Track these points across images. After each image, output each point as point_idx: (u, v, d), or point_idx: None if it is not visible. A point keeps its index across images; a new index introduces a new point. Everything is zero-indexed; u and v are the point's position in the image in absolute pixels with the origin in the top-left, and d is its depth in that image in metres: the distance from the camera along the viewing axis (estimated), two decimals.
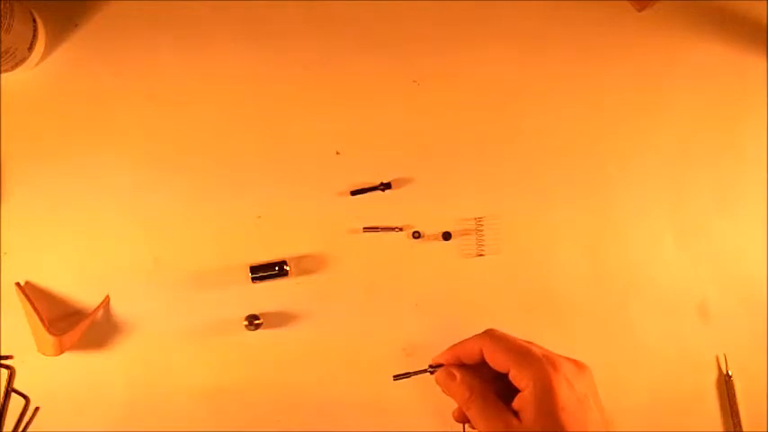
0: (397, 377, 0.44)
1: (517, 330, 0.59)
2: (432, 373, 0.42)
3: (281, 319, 0.58)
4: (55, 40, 0.58)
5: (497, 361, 0.38)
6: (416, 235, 0.59)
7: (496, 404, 0.37)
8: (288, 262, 0.57)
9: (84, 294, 0.57)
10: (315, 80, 0.60)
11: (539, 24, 0.61)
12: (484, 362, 0.39)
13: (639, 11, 0.61)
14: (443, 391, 0.41)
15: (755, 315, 0.61)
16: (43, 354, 0.53)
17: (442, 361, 0.42)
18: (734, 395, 0.59)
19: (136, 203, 0.58)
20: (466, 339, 0.41)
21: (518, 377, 0.36)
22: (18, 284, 0.55)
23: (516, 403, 0.36)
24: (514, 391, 0.37)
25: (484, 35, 0.61)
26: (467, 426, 0.41)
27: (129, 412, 0.57)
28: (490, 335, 0.40)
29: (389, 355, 0.58)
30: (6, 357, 0.56)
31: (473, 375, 0.40)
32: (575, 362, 0.39)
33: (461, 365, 0.41)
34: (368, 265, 0.59)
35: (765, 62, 0.62)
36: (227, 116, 0.59)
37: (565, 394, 0.35)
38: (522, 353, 0.37)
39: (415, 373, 0.43)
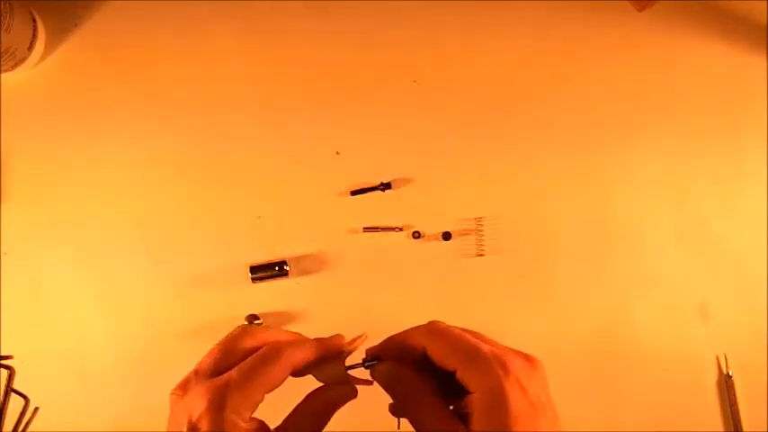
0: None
1: (517, 331, 0.59)
2: (366, 367, 0.36)
3: (281, 319, 0.58)
4: (55, 40, 0.58)
5: (443, 361, 0.34)
6: (416, 235, 0.59)
7: (442, 408, 0.34)
8: (288, 262, 0.57)
9: (83, 294, 0.57)
10: (315, 80, 0.60)
11: (539, 24, 0.61)
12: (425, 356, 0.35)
13: (639, 11, 0.61)
14: (382, 387, 0.37)
15: (755, 315, 0.61)
16: None
17: (379, 353, 0.37)
18: (734, 395, 0.59)
19: (136, 203, 0.58)
20: (407, 333, 0.36)
21: (465, 379, 0.33)
22: None
23: (465, 406, 0.33)
24: (459, 388, 0.34)
25: (484, 35, 0.61)
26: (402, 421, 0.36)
27: (129, 412, 0.57)
28: (433, 330, 0.36)
29: None
30: (6, 357, 0.56)
31: (416, 373, 0.35)
32: (526, 357, 0.35)
33: (402, 359, 0.36)
34: (368, 265, 0.59)
35: (765, 62, 0.62)
36: (227, 116, 0.59)
37: (517, 401, 0.32)
38: (470, 353, 0.34)
39: (357, 365, 0.37)
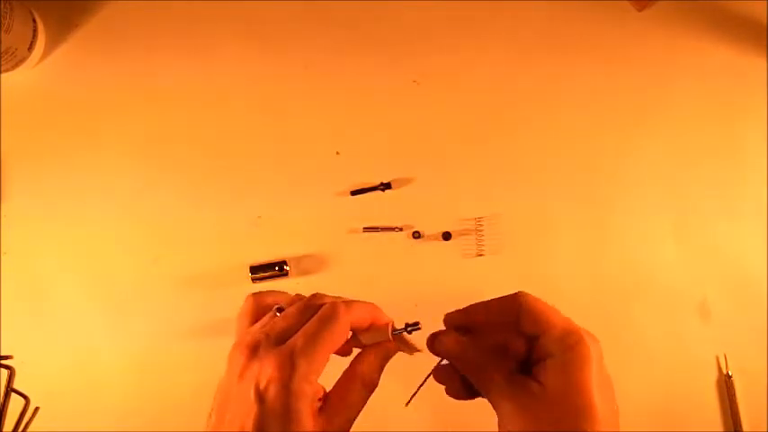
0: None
1: None
2: (409, 332, 0.36)
3: None
4: (55, 40, 0.58)
5: (533, 327, 0.35)
6: (416, 235, 0.59)
7: (513, 372, 0.34)
8: (288, 262, 0.57)
9: (83, 294, 0.57)
10: (315, 80, 0.60)
11: (539, 24, 0.61)
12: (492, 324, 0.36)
13: (639, 11, 0.61)
14: (448, 359, 0.36)
15: (755, 315, 0.61)
16: None
17: (461, 317, 0.38)
18: (734, 395, 0.59)
19: (136, 203, 0.58)
20: (495, 300, 0.37)
21: (551, 346, 0.33)
22: None
23: (540, 370, 0.33)
24: (516, 357, 0.35)
25: (484, 35, 0.61)
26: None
27: (129, 412, 0.57)
28: (524, 296, 0.36)
29: None
30: (6, 357, 0.56)
31: (482, 341, 0.36)
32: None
33: (482, 325, 0.37)
34: (368, 265, 0.59)
35: (765, 62, 0.62)
36: (227, 116, 0.59)
37: (597, 370, 0.33)
38: (564, 322, 0.35)
39: (400, 330, 0.37)
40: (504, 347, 0.36)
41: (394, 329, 0.37)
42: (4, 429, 0.54)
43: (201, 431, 0.33)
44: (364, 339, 0.36)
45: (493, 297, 0.38)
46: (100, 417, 0.57)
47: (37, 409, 0.55)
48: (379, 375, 0.35)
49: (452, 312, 0.38)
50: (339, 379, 0.35)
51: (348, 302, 0.35)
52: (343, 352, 0.37)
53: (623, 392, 0.61)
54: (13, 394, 0.55)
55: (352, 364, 0.36)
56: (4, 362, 0.56)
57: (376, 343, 0.36)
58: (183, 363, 0.57)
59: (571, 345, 0.33)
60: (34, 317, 0.57)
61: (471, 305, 0.38)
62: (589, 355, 0.33)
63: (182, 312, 0.57)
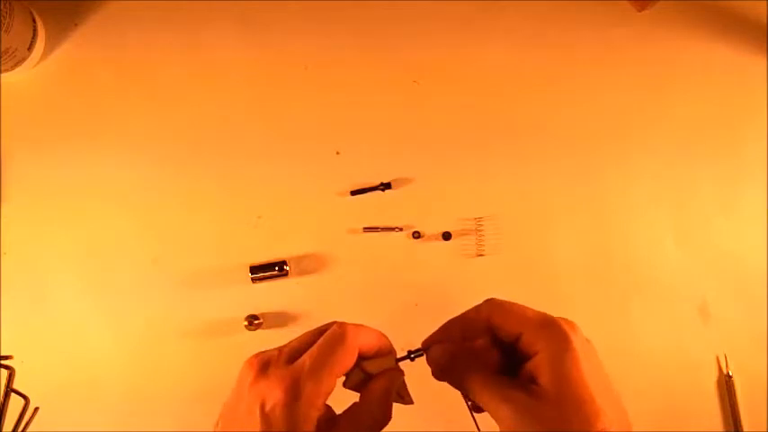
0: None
1: None
2: (413, 359, 0.37)
3: (281, 319, 0.58)
4: (55, 40, 0.58)
5: (508, 327, 0.35)
6: (416, 235, 0.59)
7: (496, 377, 0.34)
8: (288, 262, 0.57)
9: (83, 294, 0.57)
10: (315, 80, 0.60)
11: (539, 24, 0.61)
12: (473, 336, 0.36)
13: (639, 11, 0.61)
14: (436, 370, 0.36)
15: (755, 315, 0.61)
16: None
17: (439, 338, 0.37)
18: (734, 395, 0.59)
19: (135, 203, 0.58)
20: (464, 314, 0.37)
21: (532, 341, 0.33)
22: None
23: (530, 368, 0.33)
24: (508, 362, 0.35)
25: (484, 35, 0.61)
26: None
27: (129, 412, 0.57)
28: (495, 301, 0.37)
29: None
30: (6, 357, 0.56)
31: (470, 348, 0.36)
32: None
33: (462, 339, 0.37)
34: (368, 265, 0.59)
35: (765, 62, 0.62)
36: (227, 116, 0.59)
37: (585, 356, 0.32)
38: (538, 316, 0.35)
39: (404, 357, 0.37)
40: (489, 355, 0.36)
41: (397, 358, 0.37)
42: (4, 429, 0.54)
43: None
44: (370, 367, 0.36)
45: (484, 300, 0.38)
46: (100, 417, 0.57)
47: (37, 409, 0.55)
48: (385, 407, 0.34)
49: (429, 337, 0.38)
50: (350, 406, 0.34)
51: (357, 325, 0.34)
52: (353, 385, 0.36)
53: (623, 393, 0.61)
54: (12, 394, 0.55)
55: (362, 394, 0.35)
56: (4, 362, 0.56)
57: (382, 372, 0.36)
58: (183, 363, 0.57)
59: (552, 336, 0.33)
60: (34, 317, 0.57)
61: (446, 323, 0.38)
62: (572, 342, 0.32)
63: (181, 312, 0.57)
